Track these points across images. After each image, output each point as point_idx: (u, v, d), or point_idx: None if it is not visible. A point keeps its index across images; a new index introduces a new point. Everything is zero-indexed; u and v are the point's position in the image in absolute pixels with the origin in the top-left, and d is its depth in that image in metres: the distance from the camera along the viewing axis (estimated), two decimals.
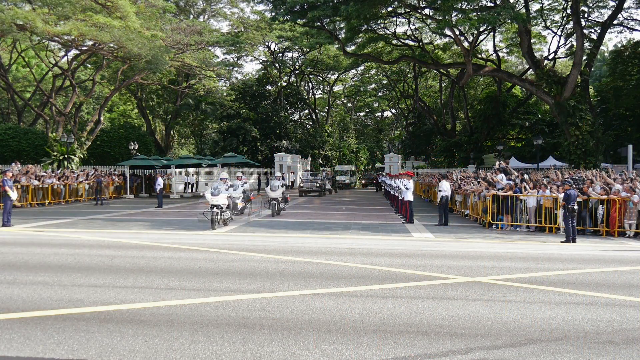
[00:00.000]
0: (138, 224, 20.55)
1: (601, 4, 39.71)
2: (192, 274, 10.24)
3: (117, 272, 10.37)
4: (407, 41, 48.32)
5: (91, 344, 6.03)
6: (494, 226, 20.87)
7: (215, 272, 10.52)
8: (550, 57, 44.69)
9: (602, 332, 6.85)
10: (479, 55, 49.50)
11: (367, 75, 70.49)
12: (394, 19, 42.49)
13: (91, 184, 34.46)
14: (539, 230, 19.69)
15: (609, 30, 39.05)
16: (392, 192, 31.05)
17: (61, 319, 7.08)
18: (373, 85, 73.83)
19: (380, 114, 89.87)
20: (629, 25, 42.09)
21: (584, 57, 34.01)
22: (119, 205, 30.98)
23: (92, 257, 12.30)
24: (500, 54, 50.97)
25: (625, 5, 38.13)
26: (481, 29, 37.03)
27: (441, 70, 54.33)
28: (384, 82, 70.24)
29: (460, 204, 26.54)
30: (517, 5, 35.67)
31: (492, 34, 46.16)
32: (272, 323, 6.97)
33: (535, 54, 38.27)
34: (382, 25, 42.66)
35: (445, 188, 21.91)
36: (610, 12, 37.71)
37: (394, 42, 47.28)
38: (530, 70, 40.29)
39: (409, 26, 46.14)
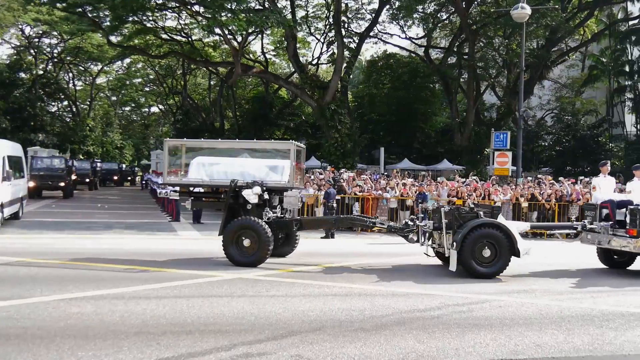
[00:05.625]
0: None
1: (360, 16, 42.82)
2: None
3: None
4: (176, 36, 47.44)
5: None
6: None
7: None
8: (314, 62, 47.07)
9: (355, 320, 7.35)
10: (248, 56, 50.37)
11: (133, 69, 67.71)
12: (164, 12, 41.45)
13: None
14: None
15: (366, 41, 42.25)
16: (158, 190, 30.29)
17: None
18: (140, 80, 71.23)
19: (147, 109, 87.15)
20: (382, 38, 46.04)
21: (344, 65, 36.38)
22: None
23: None
24: (268, 56, 52.38)
25: (380, 19, 41.64)
26: (250, 31, 37.71)
27: (210, 68, 54.27)
28: (152, 76, 68.18)
29: None
30: (284, 11, 36.97)
31: (260, 36, 47.24)
32: (21, 332, 6.36)
33: (300, 59, 39.98)
34: (151, 17, 41.34)
35: None
36: (367, 25, 40.84)
37: (163, 36, 46.12)
38: (296, 73, 42.06)
39: (179, 21, 45.36)
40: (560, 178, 26.09)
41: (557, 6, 34.43)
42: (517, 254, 10.74)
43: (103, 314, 7.28)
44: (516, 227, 11.18)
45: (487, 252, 10.70)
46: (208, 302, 8.10)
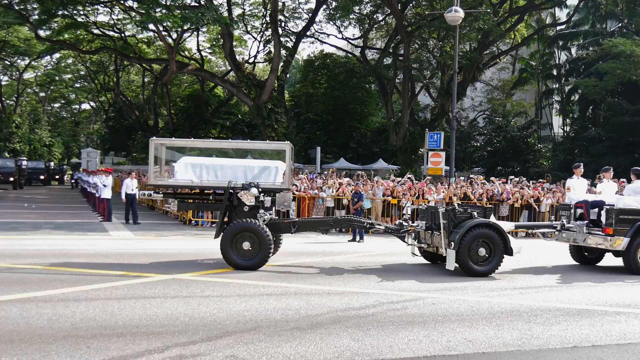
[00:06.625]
0: None
1: (296, 16, 42.87)
2: None
3: None
4: (109, 32, 46.23)
5: None
6: (193, 222, 21.13)
7: None
8: (251, 60, 46.79)
9: (290, 319, 7.34)
10: (183, 53, 49.64)
11: (63, 64, 65.55)
12: (96, 7, 40.35)
13: None
14: None
15: (303, 41, 42.37)
16: (89, 190, 29.50)
17: None
18: (70, 75, 69.06)
19: (77, 106, 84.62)
20: (319, 38, 46.22)
21: (281, 64, 36.32)
22: None
23: None
24: (204, 54, 51.75)
25: (317, 19, 41.80)
26: (185, 28, 37.19)
27: (144, 65, 53.25)
28: (83, 72, 66.22)
29: (162, 201, 26.27)
30: (220, 8, 36.62)
31: (196, 33, 46.65)
32: None
33: (237, 57, 39.71)
34: (82, 11, 40.14)
35: (129, 184, 21.19)
36: (304, 24, 40.93)
37: (95, 31, 44.87)
38: (232, 72, 41.71)
39: (112, 16, 44.22)
40: (492, 178, 26.82)
41: (489, 10, 35.41)
42: (510, 253, 11.13)
43: (30, 317, 7.01)
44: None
45: (482, 251, 11.06)
46: (140, 303, 7.92)
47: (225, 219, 11.78)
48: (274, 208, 12.44)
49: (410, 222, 12.60)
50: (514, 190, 22.61)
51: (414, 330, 6.97)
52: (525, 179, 27.73)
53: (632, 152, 36.52)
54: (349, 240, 17.60)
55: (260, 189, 11.45)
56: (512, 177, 28.32)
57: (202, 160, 12.17)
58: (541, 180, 28.75)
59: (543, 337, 6.92)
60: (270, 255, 11.16)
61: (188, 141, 15.05)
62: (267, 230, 11.03)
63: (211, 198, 12.34)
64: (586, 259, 13.60)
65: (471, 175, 31.43)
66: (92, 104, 78.94)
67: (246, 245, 10.94)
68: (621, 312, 8.35)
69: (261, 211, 11.55)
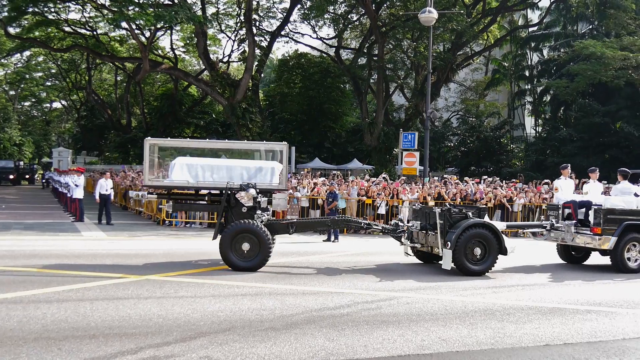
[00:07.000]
0: None
1: (271, 15, 42.82)
2: None
3: None
4: (81, 29, 45.62)
5: None
6: (167, 222, 20.96)
7: None
8: (225, 60, 46.59)
9: (265, 319, 7.31)
10: (157, 52, 49.22)
11: (33, 62, 64.49)
12: (67, 4, 39.83)
13: None
14: (211, 227, 20.32)
15: (277, 40, 42.30)
16: (60, 189, 29.08)
17: None
18: (41, 74, 67.95)
19: (48, 104, 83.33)
20: (294, 37, 46.19)
21: (255, 63, 36.20)
22: None
23: None
24: (178, 53, 51.41)
25: (292, 18, 41.79)
26: (159, 26, 36.86)
27: (117, 63, 52.65)
28: (54, 70, 65.22)
29: (135, 201, 26.04)
30: (194, 7, 36.39)
31: (169, 31, 46.28)
32: None
33: (211, 56, 39.49)
34: (53, 9, 39.57)
35: (103, 184, 20.94)
36: (278, 23, 40.88)
37: (67, 29, 44.25)
38: (206, 71, 41.48)
39: (84, 14, 43.66)
40: (466, 178, 27.05)
41: (462, 11, 35.71)
42: (505, 252, 11.33)
43: None
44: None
45: (477, 251, 11.25)
46: (113, 304, 7.83)
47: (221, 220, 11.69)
48: (270, 209, 12.37)
49: (405, 222, 12.65)
50: (487, 190, 22.83)
51: (388, 330, 6.99)
52: (498, 179, 28.02)
53: (603, 153, 37.15)
54: (324, 240, 17.61)
55: (257, 190, 11.39)
56: (486, 177, 28.59)
57: (198, 161, 12.01)
58: (514, 180, 29.08)
59: (516, 335, 6.99)
60: (270, 256, 11.10)
61: (183, 141, 14.87)
62: (267, 231, 10.98)
63: (206, 199, 12.23)
64: (573, 258, 13.94)
65: (445, 175, 31.66)
66: (63, 102, 77.88)
67: (245, 247, 10.87)
68: (592, 311, 8.48)
69: (259, 212, 11.47)
